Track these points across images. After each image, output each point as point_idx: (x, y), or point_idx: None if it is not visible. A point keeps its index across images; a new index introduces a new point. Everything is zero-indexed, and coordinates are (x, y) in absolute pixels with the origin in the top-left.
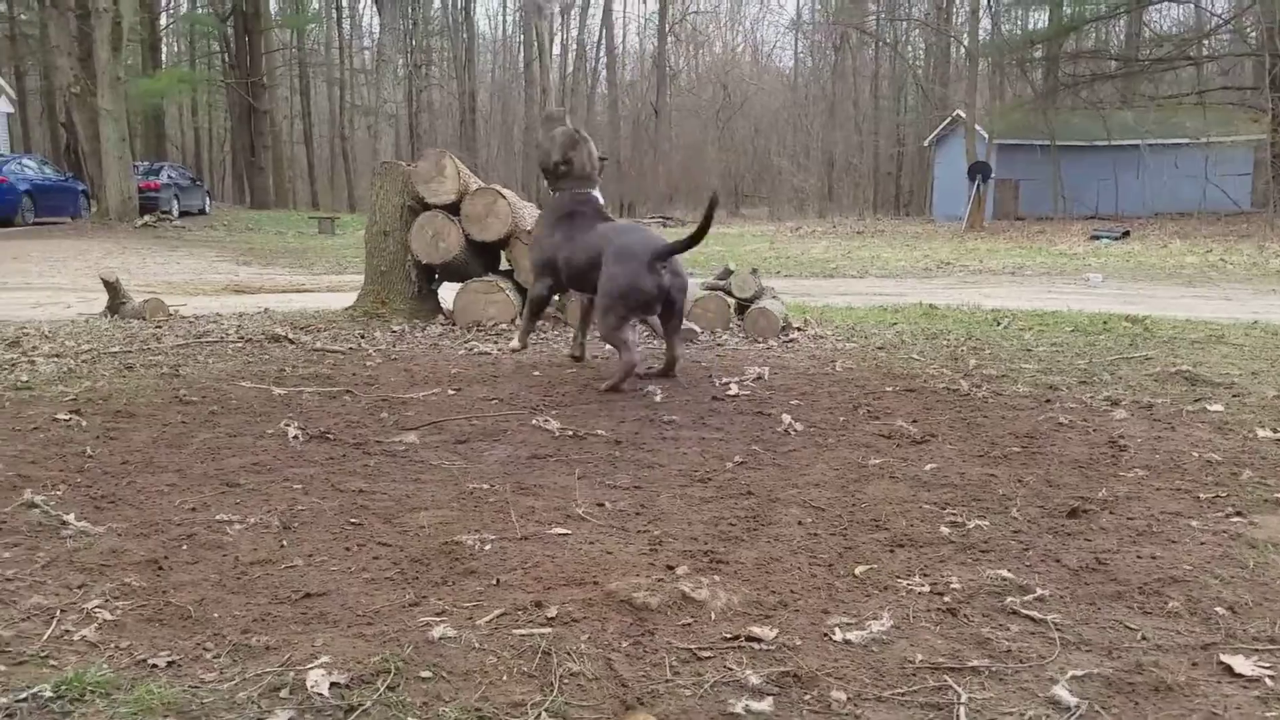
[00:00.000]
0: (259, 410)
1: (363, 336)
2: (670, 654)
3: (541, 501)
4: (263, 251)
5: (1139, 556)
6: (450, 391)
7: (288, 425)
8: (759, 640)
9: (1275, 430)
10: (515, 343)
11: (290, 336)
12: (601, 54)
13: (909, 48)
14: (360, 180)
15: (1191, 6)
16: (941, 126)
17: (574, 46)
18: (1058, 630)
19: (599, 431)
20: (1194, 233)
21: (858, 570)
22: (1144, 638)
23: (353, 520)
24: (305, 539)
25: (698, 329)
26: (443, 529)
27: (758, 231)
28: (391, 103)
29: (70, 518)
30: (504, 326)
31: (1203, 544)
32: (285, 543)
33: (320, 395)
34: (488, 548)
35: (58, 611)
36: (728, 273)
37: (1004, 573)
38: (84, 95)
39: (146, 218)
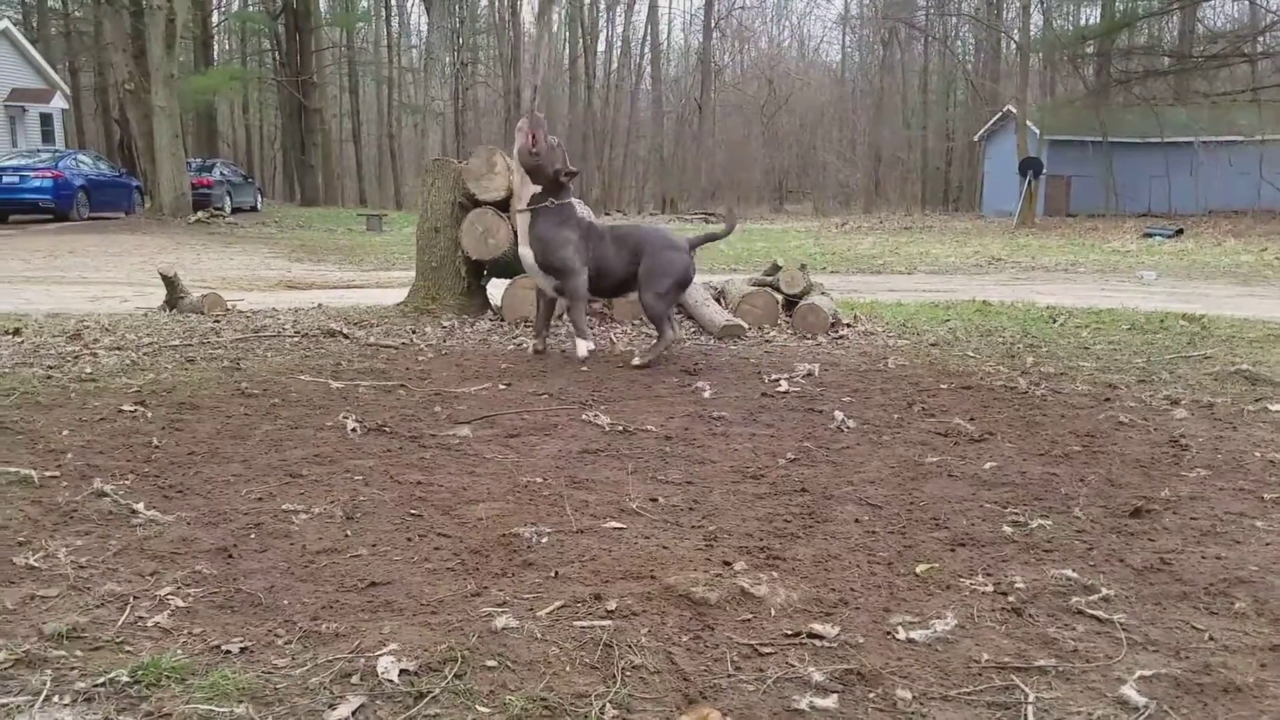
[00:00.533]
0: (318, 403)
1: (414, 331)
2: (731, 649)
3: (594, 495)
4: (314, 248)
5: (1204, 557)
6: (501, 386)
7: (346, 418)
8: (821, 637)
9: None
10: (582, 350)
11: (345, 331)
12: (646, 50)
13: (959, 43)
14: (406, 178)
15: (1246, 3)
16: (992, 122)
17: (619, 43)
18: (1124, 630)
19: (649, 427)
20: (1248, 231)
21: (919, 569)
22: (1211, 638)
23: (412, 511)
24: (368, 529)
25: (745, 324)
26: (499, 521)
27: (802, 227)
28: (439, 100)
29: (140, 506)
30: (553, 322)
31: (1268, 545)
32: (349, 532)
33: (376, 389)
34: (544, 540)
35: (131, 598)
36: (775, 268)
37: (1068, 572)
38: (138, 92)
39: (199, 214)
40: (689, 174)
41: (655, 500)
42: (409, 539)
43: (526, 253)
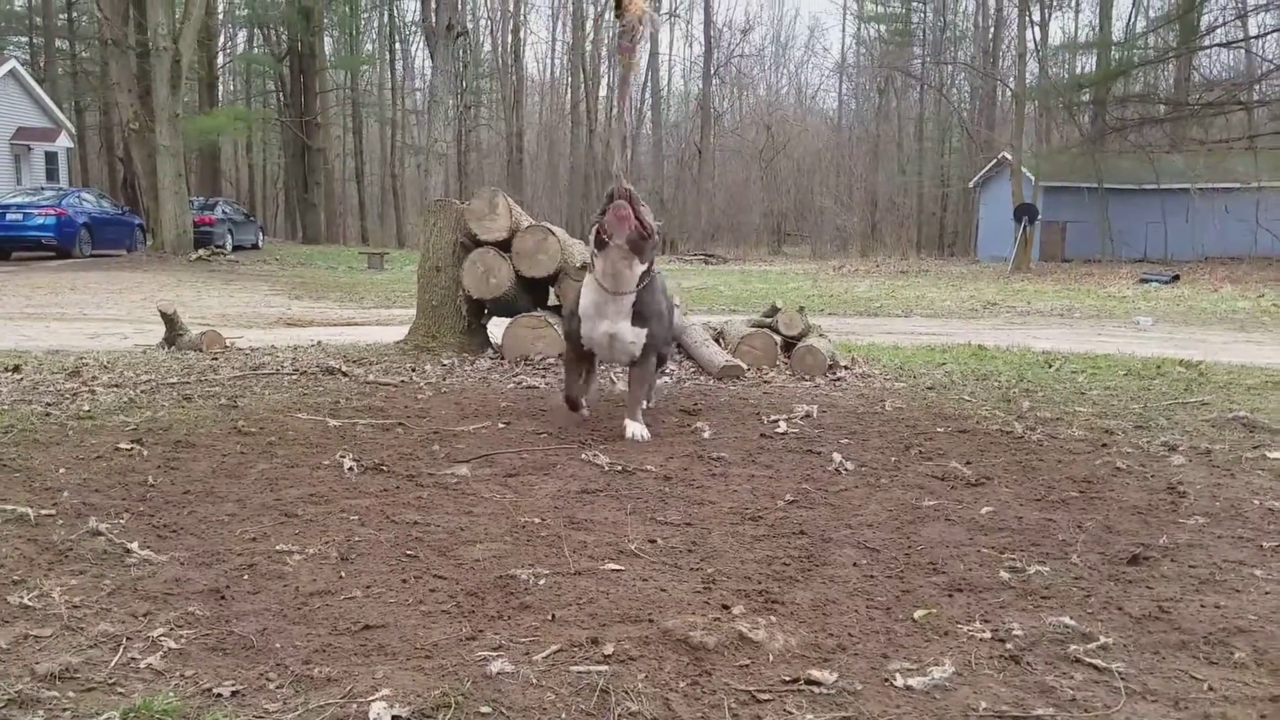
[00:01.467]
0: (315, 441)
1: (413, 370)
2: (729, 695)
3: (593, 536)
4: (314, 285)
5: (1203, 605)
6: (500, 425)
7: (343, 457)
8: (819, 684)
9: None
10: (642, 433)
11: (343, 369)
12: (647, 95)
13: (954, 90)
14: (409, 217)
15: (1243, 52)
16: (987, 168)
17: None
18: (1122, 680)
19: (648, 467)
20: (1245, 277)
21: (917, 614)
22: (1211, 688)
23: (408, 552)
24: (363, 570)
25: (744, 365)
26: (496, 562)
27: (800, 270)
28: (442, 142)
29: (134, 546)
30: (551, 360)
31: (1268, 594)
32: (344, 574)
33: (374, 427)
34: (542, 582)
35: (124, 639)
36: (774, 310)
37: (1066, 620)
38: (142, 131)
39: (201, 251)
40: (689, 216)
41: (654, 542)
42: (404, 580)
43: (636, 333)
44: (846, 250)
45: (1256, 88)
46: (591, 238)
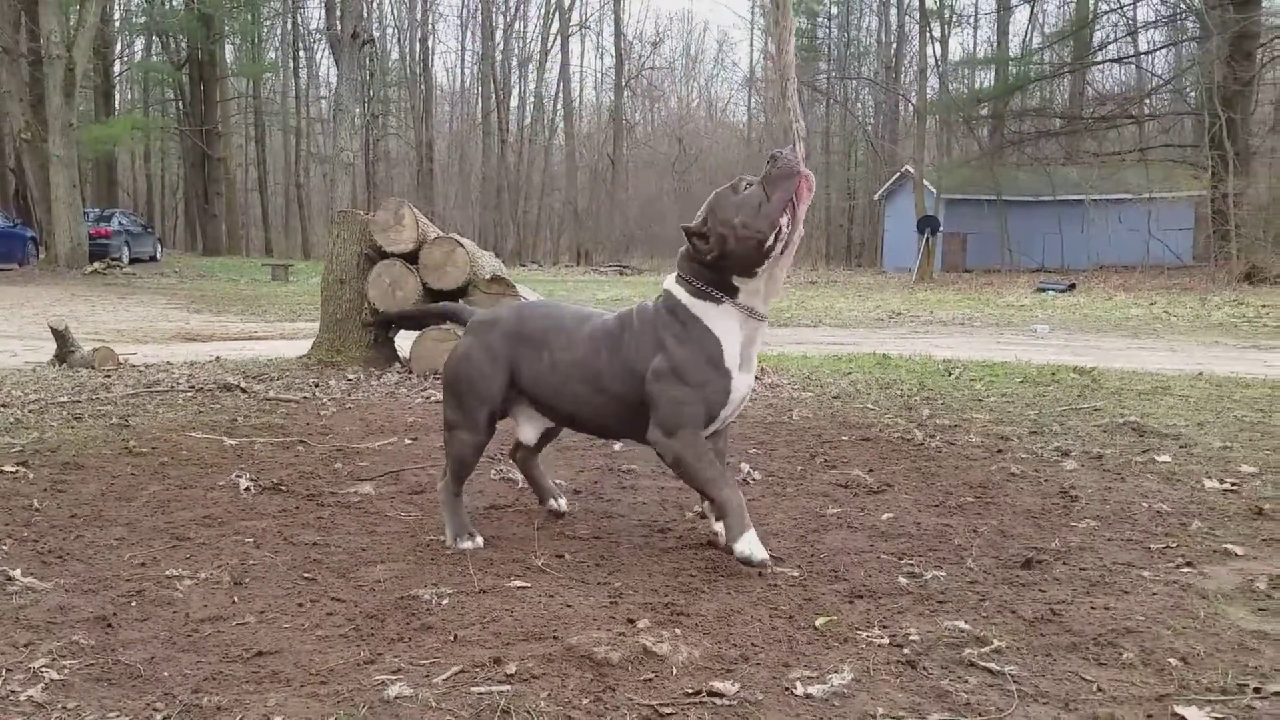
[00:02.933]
0: (210, 461)
1: (317, 385)
2: (631, 711)
3: (500, 553)
4: (215, 298)
5: (1093, 607)
6: (407, 441)
7: (239, 477)
8: (720, 695)
9: (1222, 481)
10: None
11: (243, 385)
12: (559, 106)
13: (859, 105)
14: (315, 227)
15: (1133, 67)
16: (891, 181)
17: (531, 99)
18: (1015, 682)
19: (558, 481)
20: (1138, 285)
21: (818, 622)
22: (1100, 689)
23: (306, 575)
24: (257, 595)
25: None
26: (398, 583)
27: None
28: (348, 151)
29: (16, 573)
30: None
31: (1154, 594)
32: (236, 599)
33: (273, 445)
34: (445, 602)
35: (3, 671)
36: None
37: (961, 624)
38: (35, 141)
39: (96, 264)
40: (603, 227)
41: (561, 557)
42: (300, 604)
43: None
44: None
45: (1147, 102)
46: (746, 229)
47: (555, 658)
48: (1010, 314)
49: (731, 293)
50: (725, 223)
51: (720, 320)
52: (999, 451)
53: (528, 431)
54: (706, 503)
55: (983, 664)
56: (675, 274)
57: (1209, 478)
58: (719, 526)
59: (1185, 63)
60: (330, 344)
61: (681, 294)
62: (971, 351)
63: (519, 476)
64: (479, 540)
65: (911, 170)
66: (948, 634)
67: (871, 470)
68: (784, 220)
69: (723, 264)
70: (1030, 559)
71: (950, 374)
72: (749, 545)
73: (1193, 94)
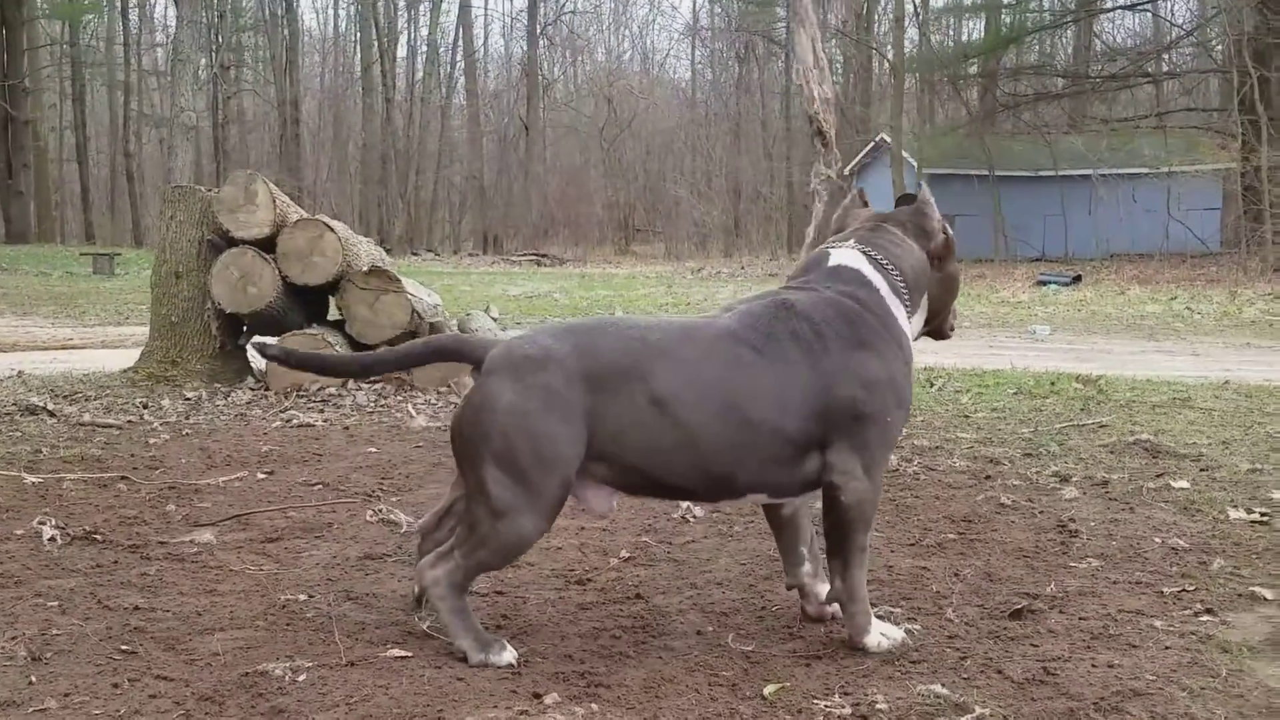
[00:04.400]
0: (5, 504)
1: (145, 406)
2: None
3: (375, 615)
4: (18, 297)
5: (1094, 665)
6: (260, 475)
7: (42, 524)
8: None
9: (1250, 511)
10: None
11: (50, 407)
12: (458, 58)
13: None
14: (148, 207)
15: (1149, 16)
16: (864, 153)
17: (424, 48)
18: None
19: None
20: (1155, 277)
21: (767, 690)
22: None
23: (124, 647)
24: (61, 673)
25: None
26: (244, 656)
27: (652, 273)
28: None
29: None
30: (332, 391)
31: (1167, 649)
32: (35, 679)
33: (87, 483)
34: (301, 678)
35: None
36: None
37: (937, 688)
38: None
39: None
40: (516, 207)
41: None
42: (116, 685)
43: None
44: (706, 249)
45: (1165, 57)
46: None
47: None
48: (1005, 312)
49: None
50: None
51: (909, 331)
52: (987, 478)
53: (599, 506)
54: (806, 571)
55: None
56: (855, 243)
57: (1234, 507)
58: (834, 608)
59: (1210, 10)
60: (163, 353)
61: (874, 275)
62: (958, 358)
63: (400, 518)
64: (511, 651)
65: (888, 140)
66: (921, 701)
67: None
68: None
69: (941, 273)
70: (1021, 608)
71: (932, 385)
72: (883, 637)
73: (1219, 47)
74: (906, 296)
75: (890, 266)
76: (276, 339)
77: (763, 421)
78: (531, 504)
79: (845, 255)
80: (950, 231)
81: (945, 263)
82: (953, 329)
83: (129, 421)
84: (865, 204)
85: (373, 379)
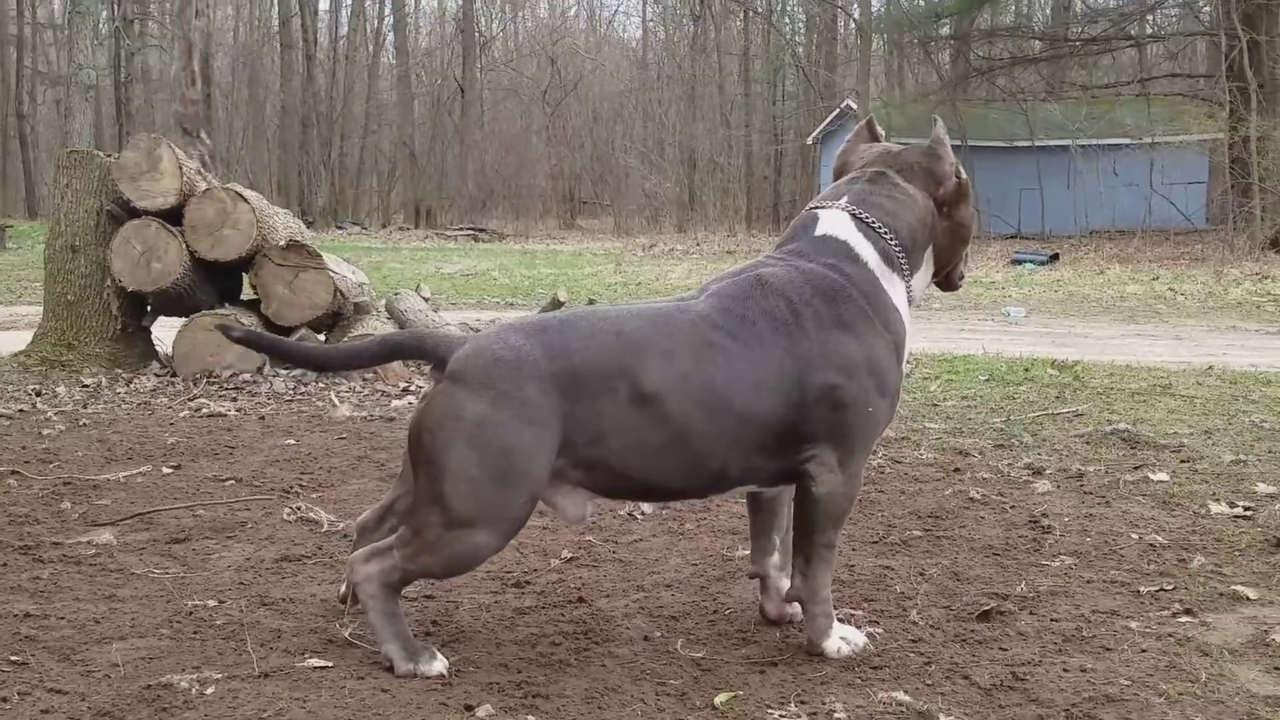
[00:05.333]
0: None
1: (39, 394)
2: None
3: (292, 622)
4: None
5: (1065, 670)
6: (165, 470)
7: None
8: None
9: (1233, 505)
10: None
11: None
12: (387, 11)
13: (786, 20)
14: (44, 174)
15: None
16: (828, 120)
17: (349, 1)
18: None
19: None
20: (1137, 256)
21: (718, 700)
22: None
23: (14, 658)
24: None
25: None
26: (146, 667)
27: (600, 249)
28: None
29: None
30: (246, 377)
31: (1144, 651)
32: None
33: None
34: (210, 691)
35: None
36: (556, 304)
37: (900, 695)
38: None
39: None
40: (451, 177)
41: None
42: (4, 699)
43: None
44: (659, 223)
45: (1149, 19)
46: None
47: None
48: (978, 293)
49: (912, 273)
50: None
51: (902, 305)
52: (956, 471)
53: (574, 513)
54: (770, 563)
55: None
56: (847, 202)
57: (1216, 500)
58: (795, 608)
59: None
60: (58, 336)
61: (863, 245)
62: (928, 342)
63: (321, 516)
64: (442, 660)
65: (854, 106)
66: (883, 709)
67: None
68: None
69: (950, 221)
70: (989, 609)
71: None
72: (844, 642)
73: (1207, 9)
74: (903, 262)
75: (884, 230)
76: (184, 322)
77: (747, 411)
78: (491, 521)
79: (833, 221)
80: (964, 175)
81: (956, 209)
82: (963, 278)
83: (20, 411)
84: (875, 136)
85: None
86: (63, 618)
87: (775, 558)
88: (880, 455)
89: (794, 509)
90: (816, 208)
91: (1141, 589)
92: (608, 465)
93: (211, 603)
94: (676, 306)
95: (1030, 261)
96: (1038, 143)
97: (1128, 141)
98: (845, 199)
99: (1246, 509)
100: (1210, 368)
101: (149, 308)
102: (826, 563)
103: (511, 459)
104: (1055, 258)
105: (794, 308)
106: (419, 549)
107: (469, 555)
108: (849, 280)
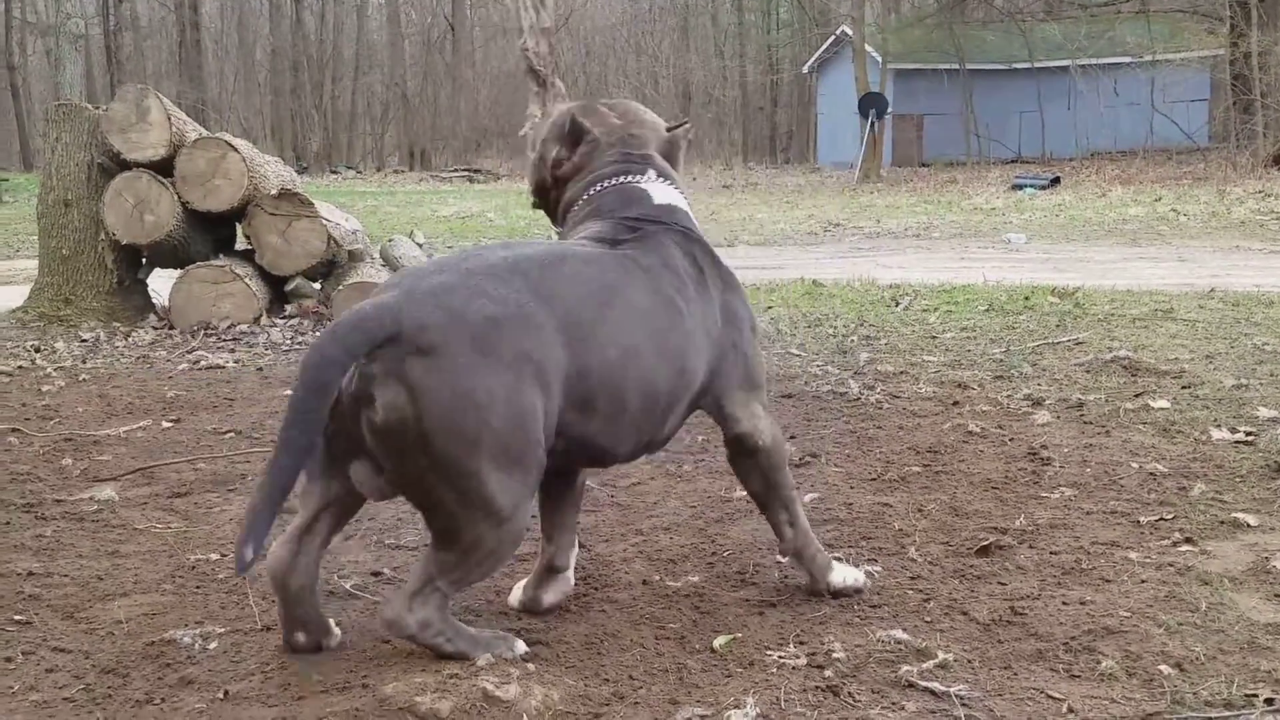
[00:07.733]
0: None
1: (37, 349)
2: None
3: None
4: None
5: (1064, 603)
6: (165, 424)
7: None
8: None
9: (1234, 430)
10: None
11: None
12: None
13: None
14: (36, 127)
15: None
16: (824, 48)
17: None
18: (964, 706)
19: None
20: (1139, 176)
21: (717, 642)
22: (1070, 709)
23: (18, 617)
24: None
25: None
26: (149, 622)
27: None
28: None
29: None
30: (243, 328)
31: (1143, 582)
32: None
33: None
34: (213, 646)
35: None
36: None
37: (898, 633)
38: None
39: None
40: (444, 117)
41: (379, 574)
42: (8, 659)
43: None
44: None
45: None
46: None
47: (365, 713)
48: (978, 220)
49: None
50: None
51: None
52: (955, 404)
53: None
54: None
55: (924, 684)
56: (673, 185)
57: (1217, 426)
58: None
59: None
60: (55, 291)
61: (693, 222)
62: (927, 272)
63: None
64: (521, 644)
65: (850, 33)
66: (881, 648)
67: (794, 436)
68: None
69: None
70: (988, 544)
71: (898, 304)
72: (848, 573)
73: None
74: None
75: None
76: (179, 274)
77: (693, 365)
78: (513, 499)
79: (664, 191)
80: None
81: None
82: None
83: (19, 367)
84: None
85: (287, 314)
86: (66, 575)
87: (577, 550)
88: (878, 390)
89: (745, 477)
90: (637, 182)
91: (1141, 519)
92: (575, 432)
93: (213, 557)
94: (602, 251)
95: (1031, 186)
96: (1037, 64)
97: (1128, 60)
98: (653, 173)
99: (1248, 434)
100: (1212, 290)
101: (144, 260)
102: (801, 505)
103: (527, 424)
104: (1056, 181)
105: (699, 264)
106: (472, 562)
107: (498, 548)
108: (702, 245)
